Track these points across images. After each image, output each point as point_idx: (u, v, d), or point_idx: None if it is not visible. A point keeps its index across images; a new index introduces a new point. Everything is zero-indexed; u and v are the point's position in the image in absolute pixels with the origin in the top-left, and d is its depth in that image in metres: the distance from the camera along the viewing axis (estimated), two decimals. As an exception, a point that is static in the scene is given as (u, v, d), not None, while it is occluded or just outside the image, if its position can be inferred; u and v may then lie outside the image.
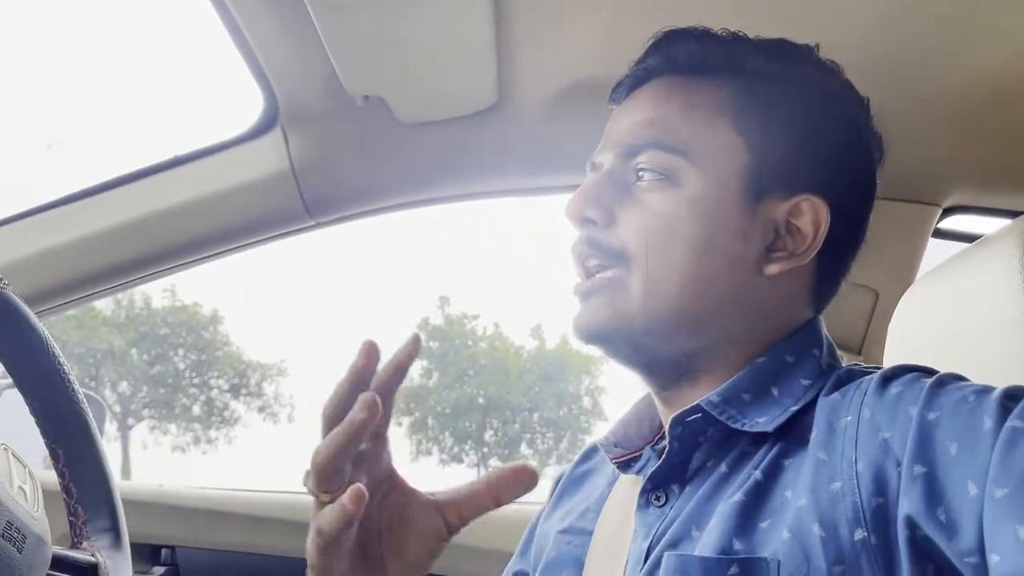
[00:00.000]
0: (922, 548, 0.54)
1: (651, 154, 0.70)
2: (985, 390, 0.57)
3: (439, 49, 1.02)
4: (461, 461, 14.59)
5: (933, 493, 0.53)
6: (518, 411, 14.62)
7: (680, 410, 0.67)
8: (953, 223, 1.30)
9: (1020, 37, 0.95)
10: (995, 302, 0.76)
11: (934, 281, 0.89)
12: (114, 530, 0.79)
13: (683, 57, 0.73)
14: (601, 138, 0.76)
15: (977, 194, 1.24)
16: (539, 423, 14.68)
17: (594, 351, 0.79)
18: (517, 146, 1.20)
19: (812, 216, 0.70)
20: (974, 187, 1.23)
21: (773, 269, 0.69)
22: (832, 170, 0.71)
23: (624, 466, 0.75)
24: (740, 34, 0.74)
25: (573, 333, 0.72)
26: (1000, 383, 0.72)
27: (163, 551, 1.41)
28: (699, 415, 0.66)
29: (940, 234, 1.29)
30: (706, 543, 0.61)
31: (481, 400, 14.36)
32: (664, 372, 0.71)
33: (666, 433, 0.68)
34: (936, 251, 1.30)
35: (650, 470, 0.71)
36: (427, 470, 14.44)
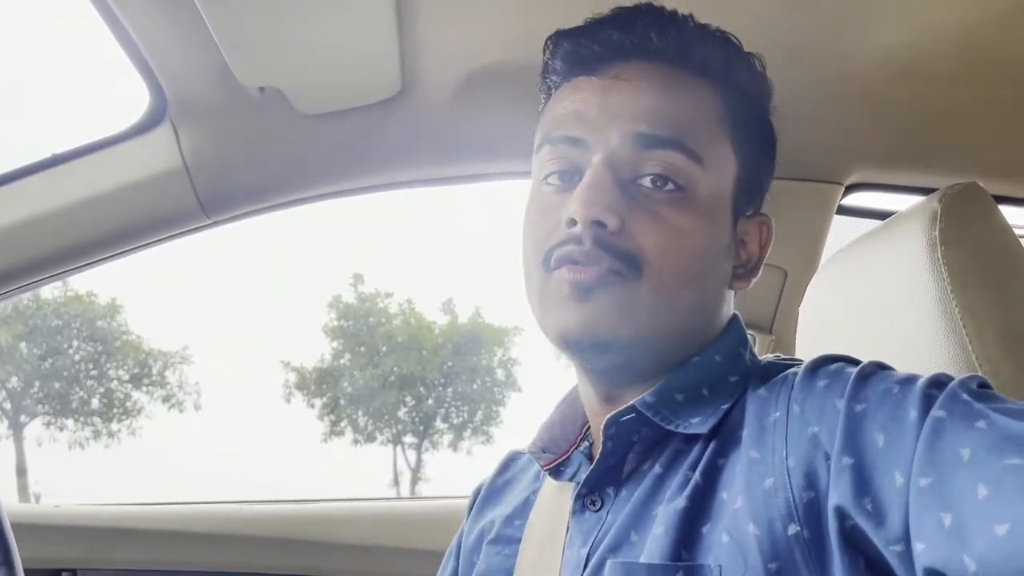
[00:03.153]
0: (852, 539, 0.55)
1: (672, 155, 0.65)
2: (909, 379, 0.57)
3: (338, 36, 0.97)
4: (374, 440, 14.47)
5: (861, 483, 0.54)
6: (432, 387, 14.56)
7: (614, 410, 0.66)
8: (855, 200, 1.33)
9: (920, 14, 0.96)
10: (903, 281, 0.77)
11: (844, 260, 0.90)
12: (6, 564, 0.76)
13: (675, 47, 0.67)
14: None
15: (879, 172, 1.27)
16: (453, 397, 14.65)
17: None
18: (423, 135, 1.16)
19: (758, 234, 0.72)
20: (876, 165, 1.26)
21: (740, 285, 0.71)
22: (769, 180, 0.74)
23: (555, 472, 0.73)
24: (721, 32, 0.70)
25: (563, 332, 0.65)
26: (908, 359, 0.74)
27: (63, 575, 1.34)
28: (632, 415, 0.66)
29: (844, 211, 1.32)
30: (652, 550, 0.61)
31: (393, 378, 14.26)
32: (624, 378, 0.69)
33: (600, 433, 0.67)
34: (839, 227, 1.33)
35: (583, 475, 0.70)
36: (340, 451, 14.27)
